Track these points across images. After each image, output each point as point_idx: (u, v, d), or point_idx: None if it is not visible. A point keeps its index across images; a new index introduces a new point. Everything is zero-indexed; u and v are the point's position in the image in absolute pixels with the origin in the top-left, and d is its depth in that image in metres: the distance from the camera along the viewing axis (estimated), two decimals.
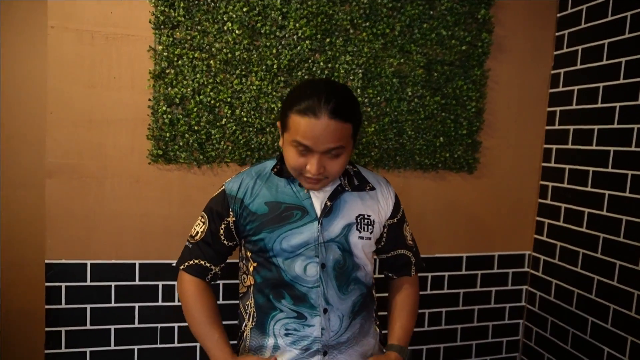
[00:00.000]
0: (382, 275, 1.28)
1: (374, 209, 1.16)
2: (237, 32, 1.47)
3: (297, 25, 1.51)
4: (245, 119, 1.51)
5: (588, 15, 1.66)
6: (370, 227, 1.14)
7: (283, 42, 1.52)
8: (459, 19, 1.65)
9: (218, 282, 1.18)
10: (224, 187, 1.14)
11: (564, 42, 1.78)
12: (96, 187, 1.46)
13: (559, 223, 1.78)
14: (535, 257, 1.89)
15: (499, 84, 1.78)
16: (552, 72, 1.83)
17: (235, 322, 1.23)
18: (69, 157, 1.43)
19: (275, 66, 1.50)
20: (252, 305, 1.13)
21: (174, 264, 1.52)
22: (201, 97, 1.47)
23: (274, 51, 1.50)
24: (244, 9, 1.46)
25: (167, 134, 1.46)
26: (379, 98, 1.62)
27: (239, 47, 1.48)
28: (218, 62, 1.47)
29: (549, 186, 1.83)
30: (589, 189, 1.64)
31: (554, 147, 1.81)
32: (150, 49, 1.44)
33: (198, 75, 1.46)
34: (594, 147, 1.62)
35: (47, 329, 1.47)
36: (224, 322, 1.12)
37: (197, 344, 1.59)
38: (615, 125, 1.54)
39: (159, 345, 1.56)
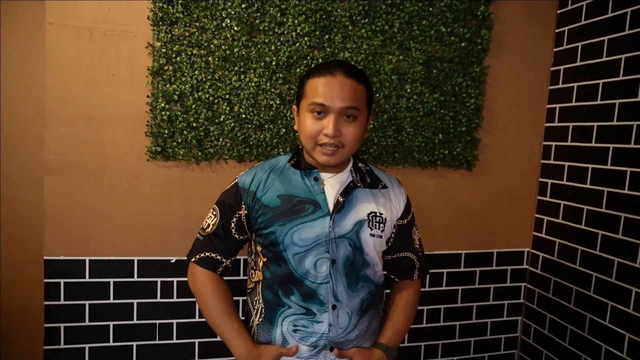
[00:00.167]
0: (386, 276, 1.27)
1: (386, 207, 1.16)
2: (235, 28, 1.46)
3: (296, 21, 1.50)
4: (243, 116, 1.51)
5: (588, 12, 1.66)
6: (382, 225, 1.14)
7: (282, 39, 1.51)
8: (458, 15, 1.65)
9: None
10: (236, 180, 1.15)
11: (563, 39, 1.77)
12: (95, 184, 1.46)
13: (558, 220, 1.78)
14: (534, 254, 1.89)
15: (499, 81, 1.77)
16: (552, 69, 1.82)
17: (243, 318, 1.23)
18: (68, 154, 1.43)
19: (274, 63, 1.50)
20: (261, 300, 1.13)
21: (172, 261, 1.54)
22: (200, 93, 1.47)
23: (273, 48, 1.50)
24: (243, 6, 1.46)
25: (166, 131, 1.46)
26: (377, 95, 1.62)
27: (237, 44, 1.47)
28: (216, 59, 1.47)
29: (548, 183, 1.83)
30: (588, 186, 1.64)
31: (554, 144, 1.81)
32: (148, 46, 1.44)
33: (196, 72, 1.46)
34: (593, 144, 1.62)
35: (46, 325, 1.48)
36: None
37: (196, 340, 1.59)
38: (615, 122, 1.54)
39: (157, 342, 1.56)
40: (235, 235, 1.14)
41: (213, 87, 1.48)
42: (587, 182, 1.64)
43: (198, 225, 1.52)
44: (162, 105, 1.45)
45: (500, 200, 1.84)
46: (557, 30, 1.80)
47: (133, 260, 1.52)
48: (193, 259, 1.15)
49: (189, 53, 1.45)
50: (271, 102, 1.52)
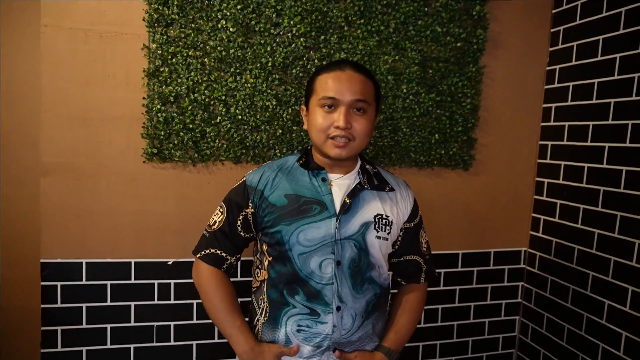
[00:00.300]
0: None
1: (392, 210, 1.16)
2: (231, 29, 1.46)
3: (292, 22, 1.50)
4: (240, 117, 1.51)
5: (583, 11, 1.66)
6: (388, 227, 1.14)
7: (277, 40, 1.51)
8: (453, 15, 1.65)
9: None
10: (245, 178, 1.16)
11: (559, 39, 1.78)
12: (91, 186, 1.46)
13: (554, 219, 1.78)
14: (531, 253, 1.90)
15: (495, 81, 1.78)
16: (548, 68, 1.83)
17: (247, 319, 1.23)
18: (64, 155, 1.43)
19: (269, 64, 1.50)
20: (265, 300, 1.13)
21: (169, 263, 1.54)
22: (196, 95, 1.47)
23: (269, 49, 1.50)
24: (238, 7, 1.46)
25: (162, 133, 1.46)
26: None
27: (233, 45, 1.47)
28: (212, 60, 1.47)
29: (545, 182, 1.83)
30: (584, 185, 1.64)
31: (550, 143, 1.81)
32: (144, 47, 1.44)
33: (192, 73, 1.46)
34: (589, 144, 1.62)
35: (43, 328, 1.47)
36: None
37: (194, 342, 1.59)
38: (610, 122, 1.54)
39: (155, 344, 1.56)
40: (241, 233, 1.15)
41: (209, 88, 1.48)
42: (583, 181, 1.65)
43: (195, 227, 1.53)
44: (158, 106, 1.45)
45: (497, 200, 1.85)
46: (552, 30, 1.81)
47: (130, 263, 1.52)
48: (198, 255, 1.16)
49: (185, 54, 1.45)
50: (267, 103, 1.52)
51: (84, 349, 1.51)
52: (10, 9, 1.45)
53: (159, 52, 1.43)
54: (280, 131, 1.55)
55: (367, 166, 1.20)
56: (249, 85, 1.50)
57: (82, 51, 1.40)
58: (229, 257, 1.16)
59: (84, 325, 1.50)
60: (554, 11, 1.81)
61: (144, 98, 1.45)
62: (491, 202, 1.84)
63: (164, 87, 1.45)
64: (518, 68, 1.80)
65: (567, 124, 1.73)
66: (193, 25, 1.45)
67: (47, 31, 1.38)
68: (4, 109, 1.46)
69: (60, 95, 1.40)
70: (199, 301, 1.58)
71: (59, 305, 1.47)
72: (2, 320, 1.52)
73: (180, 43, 1.44)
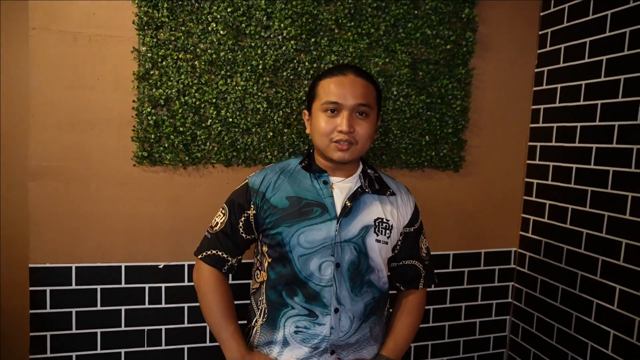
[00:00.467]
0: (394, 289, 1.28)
1: (393, 214, 1.17)
2: (221, 32, 1.46)
3: (282, 25, 1.51)
4: (230, 120, 1.51)
5: (570, 14, 1.69)
6: (388, 231, 1.15)
7: (268, 43, 1.51)
8: (443, 18, 1.66)
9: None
10: (247, 180, 1.18)
11: (547, 41, 1.80)
12: (81, 190, 1.45)
13: (544, 220, 1.80)
14: (521, 253, 1.92)
15: (484, 83, 1.79)
16: (536, 70, 1.85)
17: (244, 322, 1.24)
18: (53, 159, 1.42)
19: (260, 66, 1.50)
20: (264, 301, 1.14)
21: (160, 266, 1.53)
22: (186, 98, 1.46)
23: (259, 51, 1.50)
24: (228, 10, 1.46)
25: (152, 136, 1.45)
26: None
27: (223, 48, 1.47)
28: (203, 63, 1.46)
29: (534, 183, 1.85)
30: (572, 185, 1.66)
31: (538, 144, 1.83)
32: (134, 50, 1.43)
33: (183, 76, 1.45)
34: (577, 145, 1.64)
35: (31, 334, 1.46)
36: None
37: (185, 346, 1.58)
38: (597, 123, 1.56)
39: (146, 348, 1.55)
40: (243, 235, 1.16)
41: (199, 91, 1.47)
42: (572, 182, 1.66)
43: (186, 231, 1.53)
44: (149, 109, 1.44)
45: (487, 201, 1.86)
46: (540, 32, 1.83)
47: (120, 267, 1.51)
48: (200, 256, 1.17)
49: (175, 57, 1.44)
50: (258, 106, 1.52)
51: (74, 354, 1.49)
52: None
53: (149, 54, 1.42)
54: (271, 134, 1.55)
55: (369, 170, 1.21)
56: (240, 88, 1.50)
57: (71, 54, 1.39)
58: (230, 259, 1.17)
59: (74, 331, 1.48)
60: (542, 14, 1.83)
61: (133, 101, 1.45)
62: (481, 203, 1.86)
63: (154, 90, 1.44)
64: (507, 70, 1.82)
65: (555, 125, 1.75)
66: (183, 28, 1.44)
67: (36, 34, 1.36)
68: None
69: (49, 99, 1.39)
70: (190, 305, 1.57)
71: (48, 310, 1.46)
72: None
73: (170, 46, 1.44)
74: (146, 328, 1.55)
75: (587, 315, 1.59)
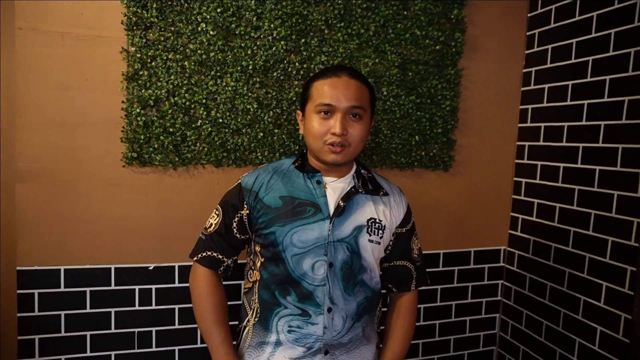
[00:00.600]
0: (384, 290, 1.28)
1: (385, 215, 1.18)
2: (211, 33, 1.46)
3: (272, 26, 1.51)
4: (221, 120, 1.50)
5: (557, 15, 1.71)
6: (380, 231, 1.16)
7: (258, 43, 1.51)
8: (432, 19, 1.68)
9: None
10: (240, 180, 1.18)
11: (534, 41, 1.82)
12: (69, 192, 1.43)
13: (532, 218, 1.82)
14: (510, 252, 1.94)
15: (473, 83, 1.81)
16: (524, 70, 1.87)
17: (236, 322, 1.23)
18: (41, 161, 1.40)
19: (250, 67, 1.50)
20: (257, 300, 1.14)
21: (150, 268, 1.52)
22: (176, 98, 1.46)
23: (249, 52, 1.50)
24: (218, 10, 1.45)
25: (142, 137, 1.45)
26: None
27: (213, 48, 1.47)
28: (192, 64, 1.46)
29: (523, 182, 1.88)
30: (559, 184, 1.69)
31: (527, 144, 1.85)
32: (123, 51, 1.42)
33: (172, 77, 1.45)
34: (564, 144, 1.67)
35: (19, 338, 1.44)
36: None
37: (176, 348, 1.58)
38: (584, 122, 1.58)
39: (136, 350, 1.54)
40: (237, 235, 1.16)
41: (189, 91, 1.47)
42: (559, 181, 1.69)
43: (176, 232, 1.52)
44: (138, 110, 1.43)
45: (476, 200, 1.88)
46: (528, 33, 1.85)
47: (110, 268, 1.49)
48: (195, 258, 1.17)
49: (165, 58, 1.43)
50: (248, 107, 1.52)
51: (63, 357, 1.48)
52: None
53: (138, 55, 1.41)
54: (262, 134, 1.54)
55: (362, 171, 1.22)
56: (230, 88, 1.49)
57: (58, 54, 1.38)
58: (225, 259, 1.17)
59: (63, 334, 1.47)
60: (529, 15, 1.85)
61: (123, 102, 1.44)
62: (471, 202, 1.87)
63: (143, 90, 1.43)
64: (495, 70, 1.84)
65: (543, 125, 1.77)
66: (172, 28, 1.44)
67: (22, 34, 1.35)
68: None
69: (35, 99, 1.38)
70: (181, 306, 1.57)
71: (36, 313, 1.44)
72: None
73: (159, 46, 1.43)
74: (136, 330, 1.54)
75: (574, 312, 1.61)
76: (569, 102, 1.65)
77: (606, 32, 1.50)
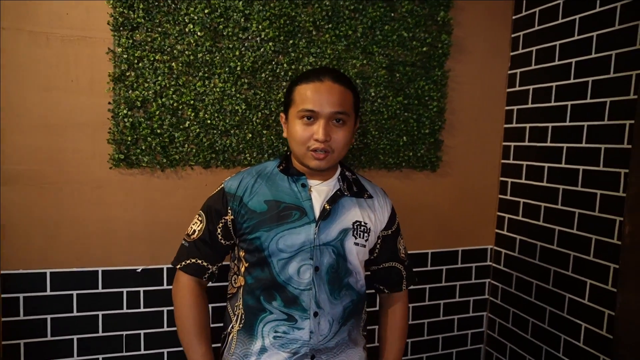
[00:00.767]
0: (373, 290, 1.29)
1: (370, 217, 1.17)
2: (199, 33, 1.45)
3: (260, 27, 1.51)
4: (209, 122, 1.50)
5: (541, 18, 1.74)
6: (366, 234, 1.15)
7: (246, 44, 1.51)
8: (419, 20, 1.69)
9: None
10: (222, 185, 1.15)
11: (519, 43, 1.85)
12: (55, 194, 1.41)
13: (518, 217, 1.85)
14: (497, 250, 1.96)
15: (460, 84, 1.83)
16: (509, 72, 1.90)
17: (221, 324, 1.22)
18: (25, 163, 1.38)
19: (238, 68, 1.50)
20: (241, 306, 1.12)
21: (138, 270, 1.51)
22: (163, 99, 1.45)
23: (237, 53, 1.50)
24: (206, 11, 1.45)
25: (129, 138, 1.44)
26: None
27: (201, 49, 1.46)
28: (180, 64, 1.45)
29: (509, 182, 1.90)
30: (544, 184, 1.71)
31: (512, 144, 1.88)
32: (109, 52, 1.41)
33: (160, 78, 1.44)
34: (548, 144, 1.69)
35: (4, 342, 1.42)
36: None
37: (165, 350, 1.57)
38: (568, 123, 1.61)
39: (124, 354, 1.53)
40: (222, 241, 1.14)
41: (177, 92, 1.46)
42: (544, 180, 1.71)
43: (164, 234, 1.51)
44: (125, 111, 1.42)
45: (463, 200, 1.90)
46: (513, 35, 1.88)
47: (97, 271, 1.48)
48: (179, 266, 1.14)
49: (152, 59, 1.42)
50: (237, 108, 1.52)
51: None
52: None
53: (125, 56, 1.40)
54: (250, 135, 1.54)
55: (347, 172, 1.21)
56: (218, 89, 1.49)
57: (43, 55, 1.36)
58: (210, 267, 1.14)
59: (49, 338, 1.45)
60: (514, 17, 1.88)
61: (109, 103, 1.42)
62: (458, 201, 1.90)
63: (130, 91, 1.42)
64: (481, 72, 1.86)
65: (528, 125, 1.80)
66: (160, 29, 1.43)
67: (6, 34, 1.33)
68: None
69: (20, 101, 1.36)
70: (170, 308, 1.56)
71: (21, 317, 1.42)
72: None
73: (146, 47, 1.42)
74: (125, 333, 1.52)
75: (560, 310, 1.64)
76: (553, 103, 1.68)
77: (588, 34, 1.53)
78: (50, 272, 1.43)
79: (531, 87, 1.78)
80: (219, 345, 1.21)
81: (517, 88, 1.85)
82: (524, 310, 1.81)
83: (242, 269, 1.13)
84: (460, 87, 1.83)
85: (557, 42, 1.66)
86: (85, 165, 1.43)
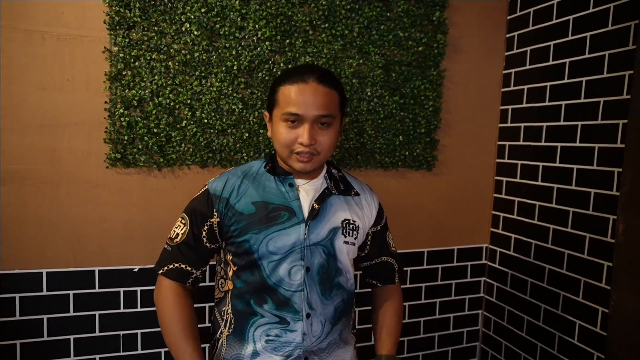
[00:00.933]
0: (366, 287, 1.29)
1: (358, 215, 1.16)
2: (195, 33, 1.45)
3: (257, 26, 1.51)
4: (205, 121, 1.50)
5: (535, 18, 1.75)
6: (355, 232, 1.14)
7: (243, 43, 1.51)
8: (415, 20, 1.70)
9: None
10: (207, 186, 1.11)
11: (514, 43, 1.86)
12: (51, 194, 1.41)
13: (513, 216, 1.86)
14: (492, 249, 1.98)
15: (455, 84, 1.84)
16: (504, 72, 1.91)
17: (207, 325, 1.20)
18: (22, 162, 1.38)
19: (235, 67, 1.50)
20: (230, 311, 1.09)
21: (135, 270, 1.51)
22: (160, 99, 1.45)
23: (234, 52, 1.50)
24: (202, 10, 1.45)
25: (125, 137, 1.43)
26: None
27: (198, 48, 1.46)
28: (177, 64, 1.45)
29: (504, 181, 1.92)
30: (539, 183, 1.73)
31: (507, 143, 1.89)
32: (105, 50, 1.40)
33: (156, 77, 1.44)
34: (543, 144, 1.71)
35: (0, 343, 1.41)
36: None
37: (162, 350, 1.57)
38: (562, 122, 1.63)
39: (121, 353, 1.52)
40: (207, 244, 1.09)
41: (174, 92, 1.46)
42: (539, 179, 1.73)
43: (161, 233, 1.50)
44: (121, 111, 1.42)
45: (459, 199, 1.92)
46: (507, 35, 1.89)
47: (94, 271, 1.48)
48: (161, 271, 1.08)
49: (148, 58, 1.42)
50: (233, 107, 1.52)
51: None
52: None
53: (121, 55, 1.40)
54: (247, 134, 1.55)
55: (333, 170, 1.20)
56: (215, 88, 1.49)
57: (39, 54, 1.36)
58: (194, 271, 1.09)
59: (45, 338, 1.45)
60: (508, 17, 1.89)
61: (105, 102, 1.42)
62: (454, 201, 1.91)
63: (126, 91, 1.42)
64: (476, 72, 1.87)
65: (523, 125, 1.81)
66: (156, 28, 1.43)
67: (2, 33, 1.32)
68: None
69: (16, 100, 1.35)
70: None
71: (17, 317, 1.42)
72: None
73: (143, 46, 1.42)
74: (122, 333, 1.52)
75: (554, 307, 1.66)
76: (547, 103, 1.69)
77: (582, 35, 1.55)
78: (47, 272, 1.43)
79: (526, 86, 1.79)
80: (207, 345, 1.19)
81: (512, 88, 1.87)
82: (519, 308, 1.82)
83: (230, 273, 1.10)
84: (456, 87, 1.84)
85: (551, 42, 1.67)
86: (81, 164, 1.43)
